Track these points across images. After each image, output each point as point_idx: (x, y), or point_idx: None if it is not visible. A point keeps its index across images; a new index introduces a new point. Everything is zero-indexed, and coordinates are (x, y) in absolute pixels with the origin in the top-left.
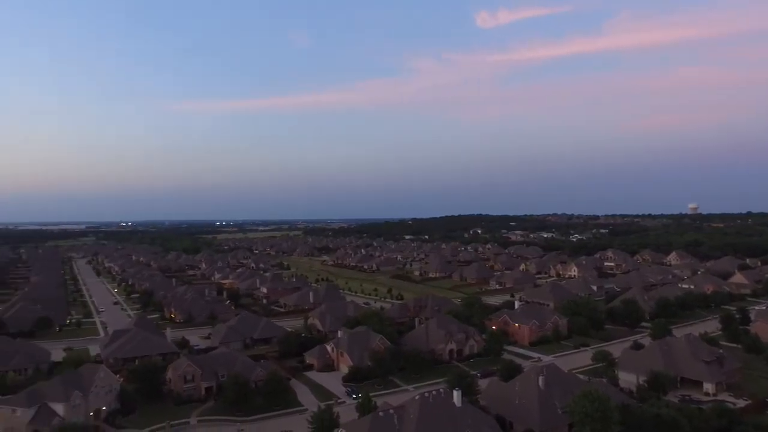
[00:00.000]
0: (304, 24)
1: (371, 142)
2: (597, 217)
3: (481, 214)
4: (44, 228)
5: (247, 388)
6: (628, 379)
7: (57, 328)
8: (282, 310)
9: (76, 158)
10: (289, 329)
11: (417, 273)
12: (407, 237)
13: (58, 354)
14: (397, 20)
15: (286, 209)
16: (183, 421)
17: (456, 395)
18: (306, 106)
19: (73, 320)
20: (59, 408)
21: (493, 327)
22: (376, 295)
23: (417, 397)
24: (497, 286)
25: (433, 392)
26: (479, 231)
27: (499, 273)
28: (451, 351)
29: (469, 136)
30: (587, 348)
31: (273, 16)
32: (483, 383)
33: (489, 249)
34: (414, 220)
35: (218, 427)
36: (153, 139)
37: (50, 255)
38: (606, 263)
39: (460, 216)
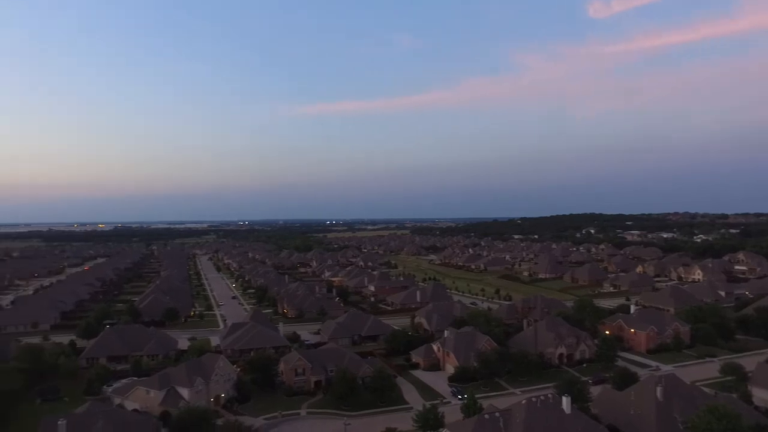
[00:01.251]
0: (408, 26)
1: (478, 141)
2: (725, 216)
3: (594, 213)
4: (172, 227)
5: (355, 383)
6: (764, 396)
7: (183, 319)
8: (389, 308)
9: (200, 161)
10: (396, 327)
11: (526, 273)
12: (516, 236)
13: (183, 343)
14: (504, 16)
15: (394, 208)
16: (293, 412)
17: (565, 401)
18: (412, 106)
19: (197, 312)
20: (185, 392)
21: (607, 332)
22: (484, 296)
23: (524, 401)
24: (611, 289)
25: (541, 397)
26: (592, 231)
27: (613, 275)
28: (560, 355)
29: (582, 132)
30: (714, 359)
31: (378, 19)
32: (595, 390)
33: (603, 250)
34: (523, 219)
35: (326, 420)
36: (268, 141)
37: (177, 251)
38: (737, 267)
39: (571, 215)
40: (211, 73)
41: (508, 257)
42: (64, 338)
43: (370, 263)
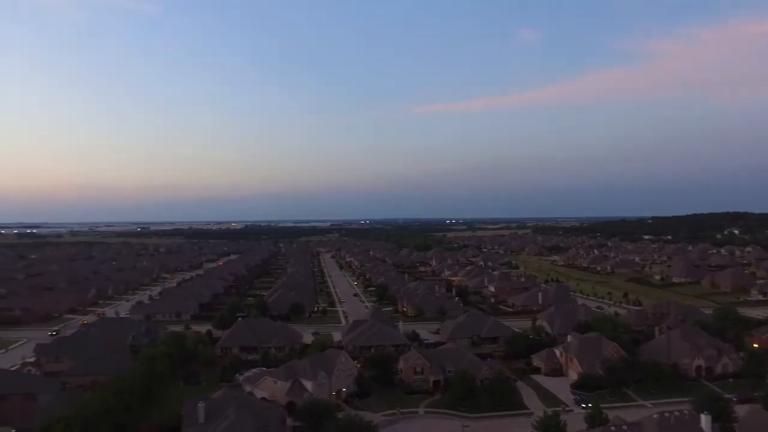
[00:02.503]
0: (530, 18)
1: (605, 135)
2: None
3: (737, 212)
4: (297, 225)
5: (474, 385)
6: None
7: (307, 314)
8: (509, 309)
9: (322, 162)
10: (516, 330)
11: (657, 277)
12: (646, 237)
13: (307, 337)
14: (633, 1)
15: (515, 207)
16: (412, 410)
17: (704, 420)
18: (534, 101)
19: (320, 308)
20: (308, 384)
21: (755, 345)
22: (610, 300)
23: (656, 416)
24: (760, 297)
25: (676, 413)
26: (736, 231)
27: (762, 281)
28: (698, 368)
29: (724, 121)
30: None
31: (498, 15)
32: (740, 410)
33: (749, 252)
34: (654, 218)
35: (444, 420)
36: (387, 141)
37: (302, 249)
38: None
39: (710, 214)
40: (333, 78)
41: (637, 259)
42: (201, 328)
43: (490, 263)
